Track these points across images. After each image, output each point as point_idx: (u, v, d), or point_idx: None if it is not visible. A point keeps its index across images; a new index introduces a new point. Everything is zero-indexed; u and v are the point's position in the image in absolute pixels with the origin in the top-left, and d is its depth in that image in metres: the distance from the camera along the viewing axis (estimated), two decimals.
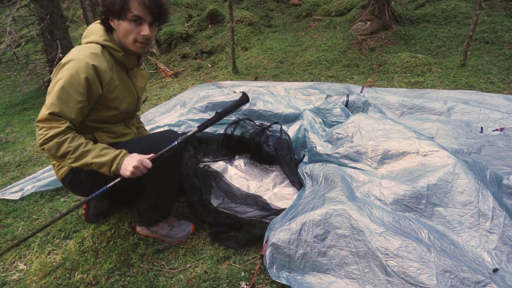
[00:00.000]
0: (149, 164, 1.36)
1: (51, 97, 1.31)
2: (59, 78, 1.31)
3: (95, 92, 1.38)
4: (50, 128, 1.29)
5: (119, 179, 1.38)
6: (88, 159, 1.32)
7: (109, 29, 1.44)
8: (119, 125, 1.58)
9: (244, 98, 1.71)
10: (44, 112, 1.30)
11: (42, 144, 1.31)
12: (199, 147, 2.26)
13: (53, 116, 1.29)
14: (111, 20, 1.40)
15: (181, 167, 1.69)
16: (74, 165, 1.34)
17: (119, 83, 1.47)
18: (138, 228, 1.73)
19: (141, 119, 2.57)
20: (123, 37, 1.41)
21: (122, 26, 1.39)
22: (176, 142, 1.45)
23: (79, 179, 1.50)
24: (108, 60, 1.42)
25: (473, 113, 2.38)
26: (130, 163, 1.32)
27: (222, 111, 1.66)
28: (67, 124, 1.31)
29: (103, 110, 1.47)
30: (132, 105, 1.59)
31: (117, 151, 1.37)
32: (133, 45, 1.42)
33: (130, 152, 1.39)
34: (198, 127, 1.57)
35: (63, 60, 1.35)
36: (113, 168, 1.34)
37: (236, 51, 4.69)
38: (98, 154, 1.33)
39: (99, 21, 1.48)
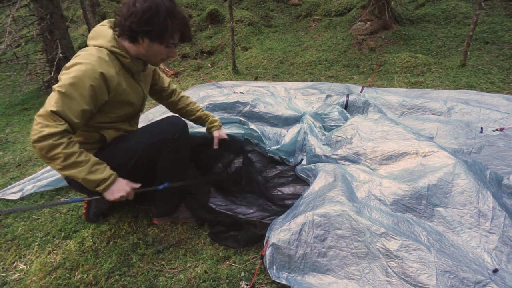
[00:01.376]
0: (132, 197, 1.45)
1: (55, 96, 1.28)
2: (66, 79, 1.29)
3: (100, 98, 1.37)
4: (46, 126, 1.25)
5: (98, 197, 1.44)
6: (75, 172, 1.30)
7: (132, 40, 1.41)
8: (124, 123, 1.60)
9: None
10: (46, 108, 1.26)
11: (35, 141, 1.25)
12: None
13: (54, 115, 1.26)
14: (141, 38, 1.39)
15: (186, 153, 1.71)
16: (60, 172, 1.32)
17: (126, 86, 1.48)
18: (157, 220, 1.78)
19: (141, 119, 2.57)
20: (151, 56, 1.46)
21: (154, 48, 1.42)
22: (161, 186, 1.57)
23: None
24: (115, 65, 1.42)
25: (473, 113, 2.38)
26: (119, 191, 1.40)
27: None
28: (65, 127, 1.27)
29: (110, 112, 1.47)
30: (138, 106, 1.61)
31: (108, 173, 1.38)
32: (156, 62, 1.51)
33: (137, 141, 1.49)
34: (186, 181, 1.71)
35: (70, 63, 1.34)
36: (101, 188, 1.37)
37: (236, 51, 4.68)
38: (89, 171, 1.32)
39: (108, 23, 1.46)
